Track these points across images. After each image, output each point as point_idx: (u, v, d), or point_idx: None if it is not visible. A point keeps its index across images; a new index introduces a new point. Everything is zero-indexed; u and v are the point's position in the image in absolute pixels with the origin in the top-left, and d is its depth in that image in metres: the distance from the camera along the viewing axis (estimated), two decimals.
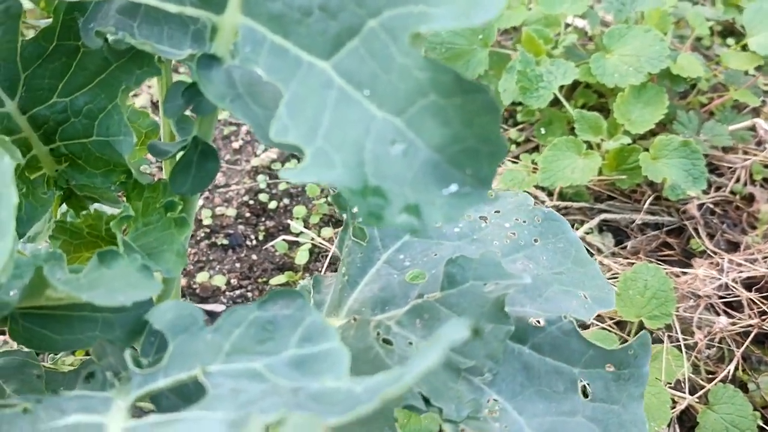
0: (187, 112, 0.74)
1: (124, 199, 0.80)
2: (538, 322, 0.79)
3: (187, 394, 0.59)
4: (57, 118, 0.77)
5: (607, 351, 0.78)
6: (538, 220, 0.91)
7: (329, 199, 1.74)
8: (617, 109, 1.63)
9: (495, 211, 0.93)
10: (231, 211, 1.71)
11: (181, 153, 0.76)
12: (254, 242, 1.66)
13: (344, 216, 0.90)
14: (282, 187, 1.78)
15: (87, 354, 1.36)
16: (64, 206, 0.87)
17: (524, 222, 0.91)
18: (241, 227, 1.69)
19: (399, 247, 0.89)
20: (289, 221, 1.70)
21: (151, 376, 0.56)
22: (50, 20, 0.73)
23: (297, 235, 1.67)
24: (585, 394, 0.78)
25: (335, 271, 1.59)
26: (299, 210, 1.71)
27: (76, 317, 0.66)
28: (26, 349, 0.89)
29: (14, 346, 0.77)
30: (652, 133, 1.67)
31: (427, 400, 0.70)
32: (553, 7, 1.81)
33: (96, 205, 0.86)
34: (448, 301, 0.77)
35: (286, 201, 1.75)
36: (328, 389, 0.49)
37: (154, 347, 0.64)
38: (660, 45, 1.65)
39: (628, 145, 1.60)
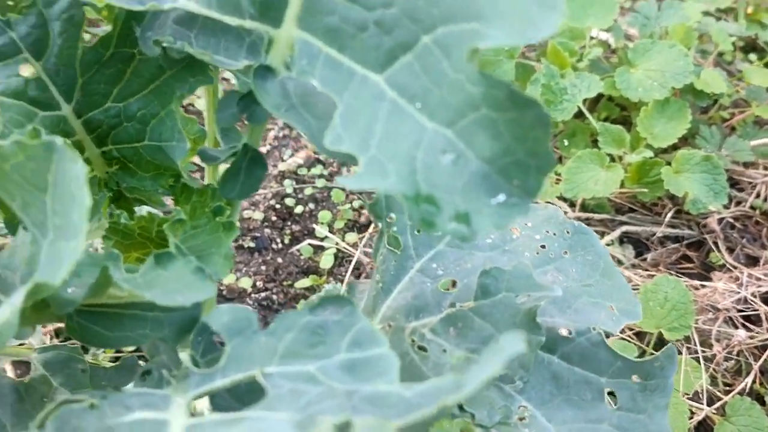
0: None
1: (172, 202, 0.82)
2: (568, 332, 0.82)
3: (240, 394, 0.61)
4: (110, 122, 0.80)
5: (634, 362, 0.80)
6: (568, 233, 0.94)
7: (366, 208, 1.76)
8: (640, 123, 1.66)
9: (525, 223, 0.95)
10: (258, 215, 1.74)
11: (231, 159, 0.79)
12: (280, 246, 1.69)
13: (380, 225, 0.93)
14: (308, 192, 1.81)
15: (119, 351, 1.39)
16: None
17: (554, 234, 0.94)
18: (267, 230, 1.71)
19: (432, 256, 0.91)
20: (314, 225, 1.72)
21: (209, 376, 0.58)
22: (109, 28, 0.76)
23: (322, 239, 1.69)
24: (611, 404, 0.80)
25: (359, 276, 1.62)
26: (324, 215, 1.74)
27: (127, 315, 0.69)
28: (72, 345, 0.92)
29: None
30: (674, 147, 1.69)
31: (460, 406, 0.73)
32: (579, 21, 1.83)
33: (144, 208, 0.89)
34: (481, 311, 0.79)
35: (311, 206, 1.78)
36: (381, 393, 0.51)
37: (201, 347, 0.67)
38: (684, 60, 1.68)
39: (651, 158, 1.62)
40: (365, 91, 0.58)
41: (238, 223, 0.78)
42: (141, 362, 0.89)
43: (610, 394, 0.80)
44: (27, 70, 0.76)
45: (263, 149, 1.91)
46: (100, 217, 0.86)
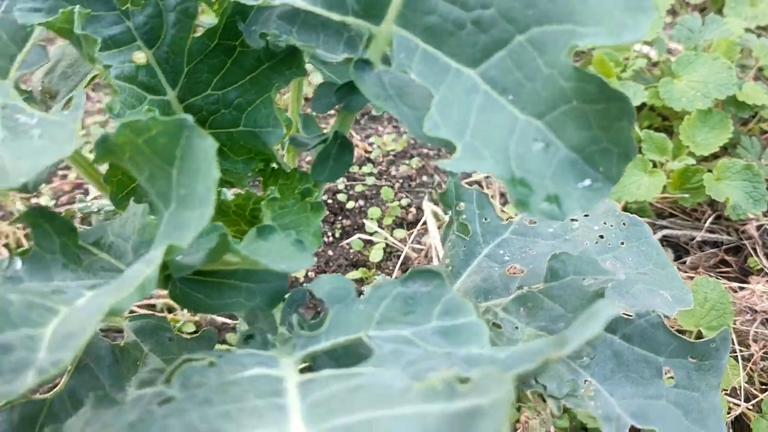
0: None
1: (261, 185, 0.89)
2: (628, 315, 0.88)
3: (338, 357, 0.67)
4: (210, 108, 0.86)
5: (690, 343, 0.86)
6: (624, 224, 1.00)
7: (435, 196, 1.82)
8: (683, 132, 1.71)
9: (584, 215, 1.01)
10: None
11: (320, 146, 0.86)
12: (331, 239, 1.76)
13: (449, 213, 0.99)
14: (358, 189, 1.87)
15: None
16: None
17: (611, 226, 1.00)
18: (319, 224, 1.78)
19: (499, 243, 0.97)
20: (364, 221, 1.79)
21: (314, 338, 0.63)
22: (214, 21, 0.83)
23: (371, 234, 1.75)
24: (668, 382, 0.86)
25: (407, 270, 1.68)
26: (374, 211, 1.80)
27: (225, 285, 0.74)
28: (159, 315, 0.99)
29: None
30: (714, 157, 1.74)
31: (535, 378, 0.79)
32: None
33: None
34: (550, 293, 0.85)
35: (361, 202, 1.84)
36: (476, 355, 0.55)
37: (291, 316, 0.73)
38: (727, 72, 1.74)
39: (693, 165, 1.67)
40: (460, 84, 0.64)
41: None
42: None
43: (667, 372, 0.86)
44: (139, 57, 0.82)
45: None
46: None
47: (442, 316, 0.61)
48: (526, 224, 0.99)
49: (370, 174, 1.92)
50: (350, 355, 0.64)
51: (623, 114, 0.58)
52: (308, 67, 0.88)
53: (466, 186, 1.00)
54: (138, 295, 0.48)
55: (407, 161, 1.96)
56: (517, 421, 1.37)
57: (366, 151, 1.96)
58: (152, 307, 1.53)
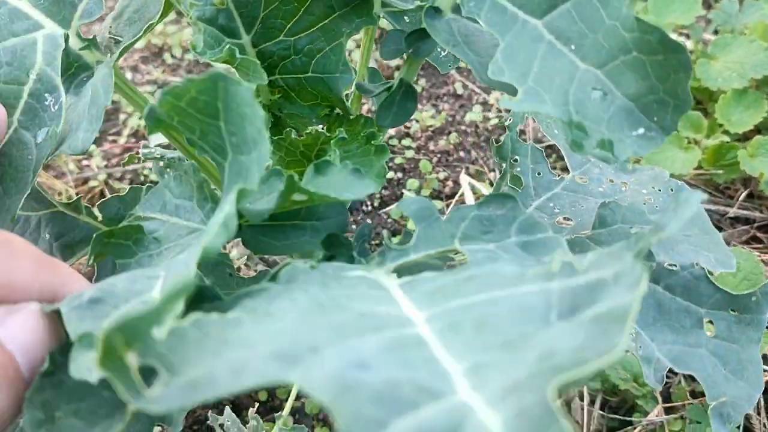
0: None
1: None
2: (672, 266, 0.91)
3: (424, 269, 0.70)
4: (281, 54, 0.90)
5: (732, 295, 0.89)
6: (672, 190, 1.03)
7: (487, 157, 1.87)
8: (719, 110, 1.74)
9: (633, 179, 1.05)
10: None
11: (384, 93, 0.90)
12: (369, 208, 1.80)
13: (503, 165, 1.03)
14: (397, 161, 1.92)
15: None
16: None
17: (659, 191, 1.03)
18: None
19: (549, 197, 1.01)
20: (402, 191, 1.83)
21: (404, 252, 0.66)
22: None
23: None
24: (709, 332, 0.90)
25: None
26: (412, 183, 1.85)
27: (289, 226, 0.77)
28: (221, 252, 1.03)
29: None
30: (746, 138, 1.77)
31: None
32: (662, 16, 1.92)
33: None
34: (597, 239, 0.89)
35: (400, 174, 1.89)
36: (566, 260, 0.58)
37: (359, 248, 0.76)
38: (764, 54, 1.77)
39: (728, 142, 1.71)
40: (525, 33, 0.68)
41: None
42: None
43: (708, 323, 0.90)
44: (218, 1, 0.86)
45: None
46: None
47: (519, 233, 0.64)
48: (577, 181, 1.03)
49: (409, 148, 1.97)
50: (439, 268, 0.66)
51: (681, 66, 0.61)
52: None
53: (522, 141, 1.04)
54: (224, 233, 0.50)
55: (445, 137, 2.00)
56: None
57: (405, 127, 2.00)
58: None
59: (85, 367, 0.41)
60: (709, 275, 0.90)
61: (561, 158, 1.37)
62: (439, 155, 1.95)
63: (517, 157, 1.02)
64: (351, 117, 0.92)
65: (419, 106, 2.08)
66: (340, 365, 0.37)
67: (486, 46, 0.77)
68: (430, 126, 2.02)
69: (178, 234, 0.81)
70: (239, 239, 0.79)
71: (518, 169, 1.01)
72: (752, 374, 0.87)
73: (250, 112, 0.52)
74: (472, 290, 0.49)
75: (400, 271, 0.65)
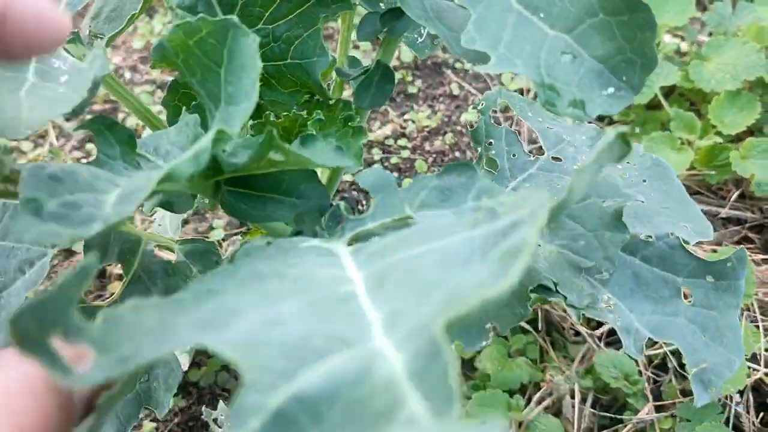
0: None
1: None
2: (649, 237, 0.93)
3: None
4: (260, 42, 0.92)
5: (708, 263, 0.90)
6: (647, 164, 1.05)
7: (469, 134, 1.88)
8: (712, 111, 1.76)
9: None
10: (348, 177, 1.87)
11: (361, 78, 0.92)
12: (365, 207, 1.82)
13: (478, 149, 1.05)
14: (393, 161, 1.95)
15: None
16: None
17: (634, 165, 1.05)
18: (354, 193, 1.85)
19: (525, 178, 1.03)
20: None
21: (361, 221, 0.69)
22: None
23: None
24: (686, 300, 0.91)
25: None
26: (408, 182, 1.86)
27: (269, 198, 0.79)
28: (207, 241, 1.05)
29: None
30: (740, 139, 1.79)
31: (556, 288, 0.84)
32: (657, 17, 1.93)
33: None
34: (571, 213, 0.90)
35: (396, 174, 1.91)
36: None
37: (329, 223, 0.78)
38: (756, 56, 1.79)
39: (720, 144, 1.72)
40: (495, 4, 0.70)
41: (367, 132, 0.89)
42: None
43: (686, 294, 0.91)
44: None
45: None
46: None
47: (476, 198, 0.67)
48: (552, 161, 1.04)
49: (405, 148, 1.99)
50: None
51: (646, 24, 0.64)
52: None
53: (496, 125, 1.06)
54: (193, 163, 0.52)
55: (441, 137, 2.02)
56: (542, 380, 1.42)
57: (401, 127, 2.03)
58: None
59: None
60: (684, 244, 0.91)
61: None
62: (434, 155, 1.98)
63: (491, 140, 1.04)
64: (330, 102, 0.94)
65: (415, 107, 2.11)
66: (255, 325, 0.38)
67: (459, 22, 0.79)
68: (426, 126, 2.05)
69: None
70: (236, 238, 0.81)
71: (493, 151, 1.03)
72: (731, 340, 0.88)
73: (251, 63, 0.55)
74: (410, 245, 0.50)
75: (357, 240, 0.67)
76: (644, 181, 1.02)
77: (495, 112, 1.05)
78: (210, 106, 0.62)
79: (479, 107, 1.07)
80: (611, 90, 0.66)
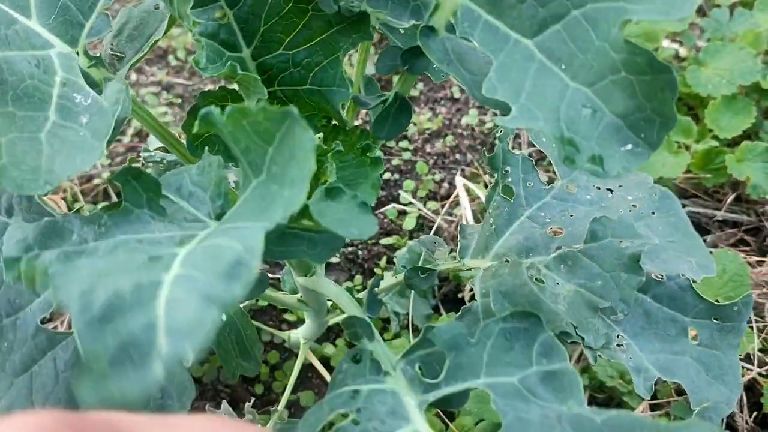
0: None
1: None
2: (660, 276, 0.94)
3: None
4: (280, 66, 0.92)
5: (715, 305, 0.93)
6: (655, 196, 1.06)
7: (482, 161, 1.91)
8: (708, 116, 1.78)
9: (619, 186, 1.08)
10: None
11: (380, 106, 0.92)
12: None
13: (495, 176, 1.05)
14: (395, 162, 1.96)
15: None
16: None
17: (643, 197, 1.06)
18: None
19: (540, 206, 1.04)
20: (399, 192, 1.86)
21: (436, 386, 0.70)
22: None
23: (406, 204, 1.83)
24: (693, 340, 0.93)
25: None
26: (408, 184, 1.88)
27: (288, 233, 0.79)
28: None
29: None
30: (736, 143, 1.81)
31: (575, 330, 0.86)
32: (656, 23, 1.95)
33: None
34: (589, 253, 0.92)
35: (397, 176, 1.92)
36: (576, 416, 0.59)
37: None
38: (752, 61, 1.81)
39: (716, 147, 1.74)
40: (517, 53, 0.70)
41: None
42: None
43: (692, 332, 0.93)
44: (219, 15, 0.88)
45: (357, 122, 2.05)
46: None
47: (540, 358, 0.67)
48: (566, 190, 1.06)
49: (406, 150, 2.00)
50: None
51: (667, 85, 0.63)
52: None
53: (514, 152, 1.07)
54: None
55: (441, 140, 2.03)
56: None
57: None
58: None
59: None
60: (694, 285, 0.93)
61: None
62: (435, 157, 1.99)
63: (508, 167, 1.05)
64: (347, 128, 0.94)
65: (417, 109, 2.12)
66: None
67: (479, 64, 0.79)
68: (427, 129, 2.05)
69: (184, 218, 0.82)
70: None
71: (509, 179, 1.04)
72: (732, 378, 0.91)
73: (302, 156, 0.52)
74: None
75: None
76: (653, 213, 1.03)
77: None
78: (248, 170, 0.62)
79: (497, 134, 1.08)
80: (629, 146, 0.66)
